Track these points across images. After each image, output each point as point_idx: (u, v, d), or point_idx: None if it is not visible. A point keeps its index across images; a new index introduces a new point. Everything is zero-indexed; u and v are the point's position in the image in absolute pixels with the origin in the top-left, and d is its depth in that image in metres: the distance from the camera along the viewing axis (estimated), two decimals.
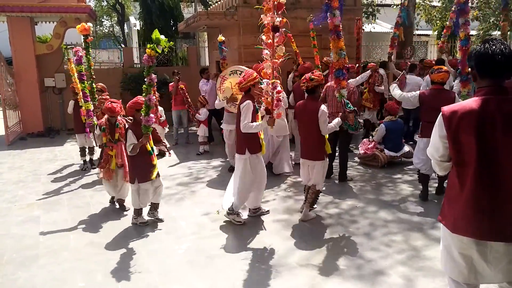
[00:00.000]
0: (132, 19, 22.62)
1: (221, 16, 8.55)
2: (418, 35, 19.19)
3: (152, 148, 4.43)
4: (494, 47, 2.01)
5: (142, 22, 14.69)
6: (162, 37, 4.01)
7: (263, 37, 4.04)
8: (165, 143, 5.03)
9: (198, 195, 5.67)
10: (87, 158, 7.13)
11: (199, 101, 8.06)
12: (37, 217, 4.84)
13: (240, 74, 6.32)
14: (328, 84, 5.78)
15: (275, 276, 3.47)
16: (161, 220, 4.67)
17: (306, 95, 4.54)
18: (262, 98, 4.24)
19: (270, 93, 4.12)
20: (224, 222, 4.59)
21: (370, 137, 7.02)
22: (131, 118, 4.67)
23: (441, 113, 2.12)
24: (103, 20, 26.85)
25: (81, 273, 3.59)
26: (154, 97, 6.30)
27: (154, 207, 4.69)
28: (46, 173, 6.91)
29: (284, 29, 4.03)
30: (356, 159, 7.09)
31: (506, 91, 2.04)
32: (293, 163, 6.70)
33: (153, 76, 4.22)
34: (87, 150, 7.06)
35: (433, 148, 2.20)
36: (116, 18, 24.39)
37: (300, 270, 3.56)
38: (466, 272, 2.13)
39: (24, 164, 7.54)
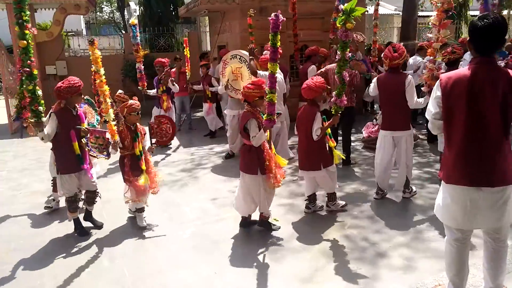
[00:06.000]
0: (132, 5, 22.35)
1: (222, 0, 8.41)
2: (423, 16, 18.86)
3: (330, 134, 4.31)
4: (485, 23, 2.27)
5: (142, 7, 14.50)
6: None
7: (431, 19, 4.29)
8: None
9: (201, 181, 5.69)
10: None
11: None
12: (42, 205, 4.87)
13: (240, 58, 6.26)
14: (329, 66, 5.79)
15: (279, 259, 3.50)
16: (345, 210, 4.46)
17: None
18: (424, 75, 4.45)
19: (434, 70, 4.33)
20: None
21: (374, 120, 6.97)
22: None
23: (439, 79, 2.46)
24: (103, 6, 26.58)
25: (87, 259, 3.64)
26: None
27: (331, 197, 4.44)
28: None
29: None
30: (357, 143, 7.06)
31: (494, 61, 2.39)
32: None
33: (347, 52, 3.96)
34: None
35: (429, 107, 2.54)
36: (116, 4, 24.12)
37: (304, 253, 3.59)
38: (460, 218, 2.45)
39: (28, 152, 7.57)
